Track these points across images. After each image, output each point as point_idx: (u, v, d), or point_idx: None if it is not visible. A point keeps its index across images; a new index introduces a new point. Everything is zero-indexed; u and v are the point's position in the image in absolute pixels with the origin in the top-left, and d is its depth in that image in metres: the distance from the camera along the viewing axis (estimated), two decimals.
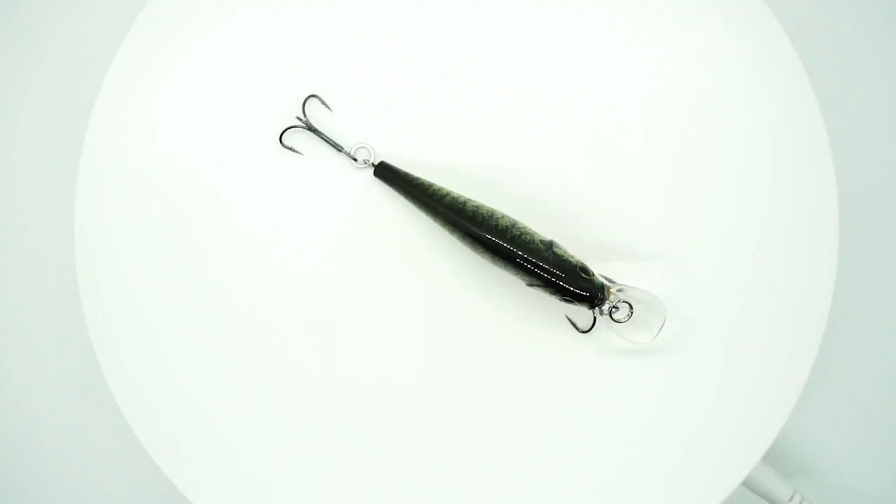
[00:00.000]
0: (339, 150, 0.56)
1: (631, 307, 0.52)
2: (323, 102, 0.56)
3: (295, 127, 0.56)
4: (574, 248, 0.53)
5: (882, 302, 0.68)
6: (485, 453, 0.53)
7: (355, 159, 0.56)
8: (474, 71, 0.56)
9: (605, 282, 0.52)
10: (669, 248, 0.54)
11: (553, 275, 0.51)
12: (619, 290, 0.52)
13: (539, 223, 0.54)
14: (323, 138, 0.56)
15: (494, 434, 0.53)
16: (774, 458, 0.66)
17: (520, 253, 0.52)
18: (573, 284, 0.51)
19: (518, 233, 0.52)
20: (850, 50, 0.69)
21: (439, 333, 0.54)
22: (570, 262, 0.52)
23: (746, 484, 0.58)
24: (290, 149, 0.56)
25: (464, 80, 0.56)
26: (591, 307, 0.52)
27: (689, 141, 0.55)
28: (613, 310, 0.52)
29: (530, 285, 0.52)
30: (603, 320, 0.52)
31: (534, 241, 0.52)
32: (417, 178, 0.54)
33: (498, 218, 0.52)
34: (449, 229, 0.53)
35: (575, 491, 0.53)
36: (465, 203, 0.53)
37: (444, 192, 0.54)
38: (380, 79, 0.56)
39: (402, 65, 0.56)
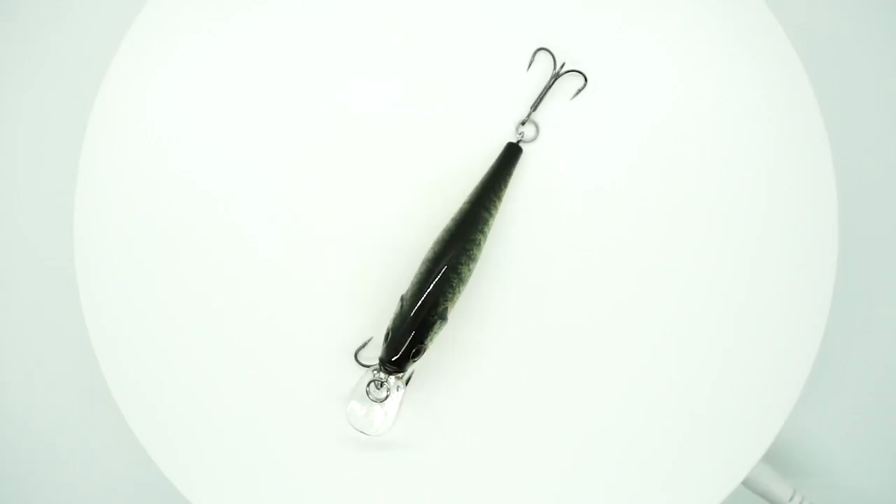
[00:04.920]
0: (534, 108, 0.55)
1: (383, 402, 0.52)
2: (560, 69, 0.55)
3: (545, 49, 0.55)
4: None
5: (882, 302, 0.68)
6: (496, 442, 0.53)
7: (523, 123, 0.55)
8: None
9: (403, 375, 0.51)
10: (663, 247, 0.54)
11: (409, 318, 0.50)
12: (396, 386, 0.52)
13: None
14: (545, 88, 0.55)
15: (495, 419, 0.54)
16: (774, 458, 0.66)
17: (435, 279, 0.51)
18: (396, 341, 0.50)
19: (457, 275, 0.51)
20: (850, 50, 0.69)
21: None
22: (424, 340, 0.50)
23: (746, 484, 0.58)
24: (531, 63, 0.55)
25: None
26: (378, 368, 0.51)
27: (690, 139, 0.55)
28: (375, 385, 0.52)
29: (402, 296, 0.51)
30: (363, 379, 0.52)
31: (445, 292, 0.51)
32: (504, 187, 0.53)
33: (472, 253, 0.52)
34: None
35: (572, 490, 0.53)
36: (481, 230, 0.52)
37: (490, 215, 0.53)
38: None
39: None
